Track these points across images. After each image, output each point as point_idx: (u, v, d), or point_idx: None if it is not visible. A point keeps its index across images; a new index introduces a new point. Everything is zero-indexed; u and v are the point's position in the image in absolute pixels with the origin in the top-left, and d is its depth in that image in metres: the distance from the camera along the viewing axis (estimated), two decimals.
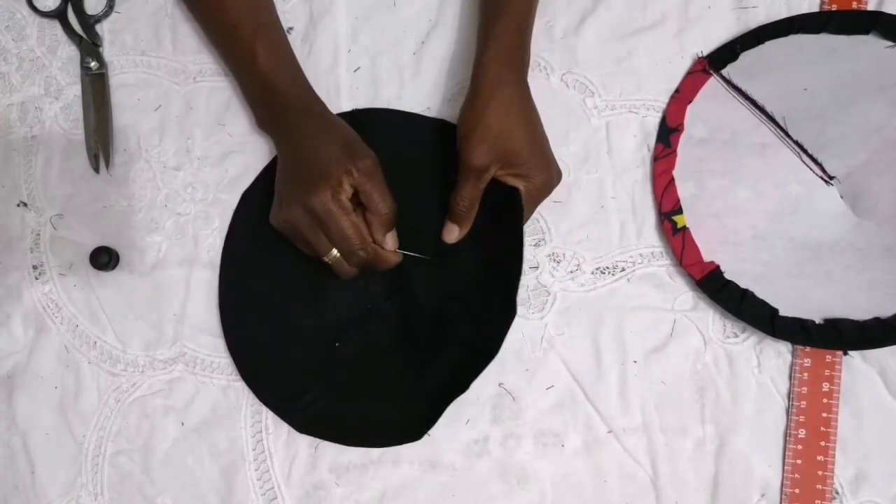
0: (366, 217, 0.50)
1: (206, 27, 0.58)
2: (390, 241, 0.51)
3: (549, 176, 0.52)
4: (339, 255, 0.50)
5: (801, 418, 0.52)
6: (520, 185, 0.50)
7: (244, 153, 0.59)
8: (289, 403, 0.54)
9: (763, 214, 0.54)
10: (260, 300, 0.56)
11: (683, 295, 0.55)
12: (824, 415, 0.52)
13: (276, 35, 0.57)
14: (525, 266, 0.56)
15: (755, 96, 0.55)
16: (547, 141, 0.53)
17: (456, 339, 0.53)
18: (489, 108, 0.50)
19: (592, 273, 0.55)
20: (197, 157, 0.59)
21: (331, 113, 0.55)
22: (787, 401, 0.53)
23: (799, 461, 0.51)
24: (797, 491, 0.51)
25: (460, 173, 0.51)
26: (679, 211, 0.55)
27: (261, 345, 0.55)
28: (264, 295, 0.56)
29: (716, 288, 0.53)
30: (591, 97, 0.58)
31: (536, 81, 0.57)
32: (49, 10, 0.62)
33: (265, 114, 0.56)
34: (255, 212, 0.57)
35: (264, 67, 0.54)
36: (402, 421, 0.52)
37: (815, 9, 0.57)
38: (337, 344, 0.55)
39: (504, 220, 0.51)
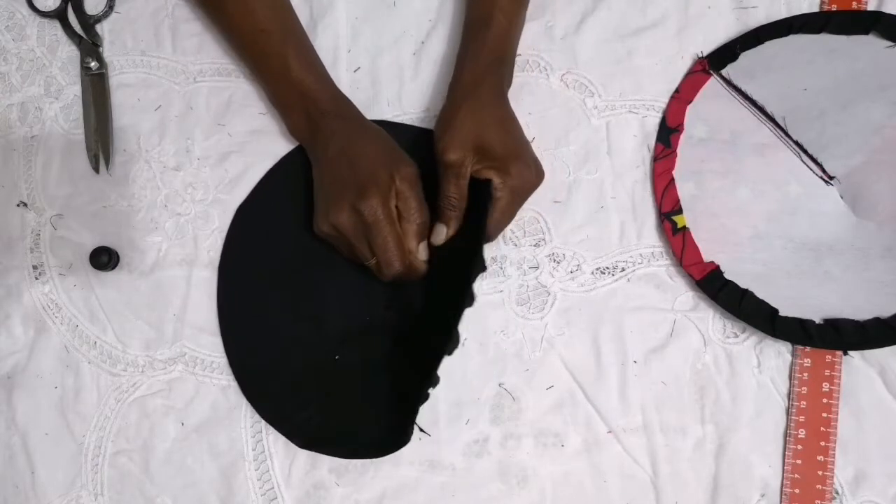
0: (401, 225, 0.50)
1: (231, 33, 0.57)
2: (423, 250, 0.51)
3: (527, 167, 0.51)
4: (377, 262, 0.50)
5: (801, 418, 0.52)
6: (496, 178, 0.50)
7: (244, 153, 0.59)
8: (289, 420, 0.54)
9: (763, 214, 0.54)
10: (259, 314, 0.56)
11: (683, 295, 0.55)
12: (824, 415, 0.52)
13: (305, 39, 0.57)
14: (525, 266, 0.56)
15: (755, 96, 0.55)
16: (525, 140, 0.53)
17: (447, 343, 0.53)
18: (462, 108, 0.50)
19: (592, 273, 0.55)
20: (197, 157, 0.59)
21: (365, 118, 0.55)
22: (787, 401, 0.53)
23: (799, 461, 0.51)
24: (797, 491, 0.51)
25: (440, 174, 0.51)
26: (679, 211, 0.55)
27: (261, 360, 0.55)
28: (263, 309, 0.56)
29: (716, 288, 0.53)
30: (591, 97, 0.58)
31: (536, 81, 0.58)
32: (49, 10, 0.62)
33: (301, 120, 0.54)
34: (250, 225, 0.57)
35: (297, 72, 0.53)
36: (399, 430, 0.52)
37: (815, 9, 0.57)
38: (337, 357, 0.55)
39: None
